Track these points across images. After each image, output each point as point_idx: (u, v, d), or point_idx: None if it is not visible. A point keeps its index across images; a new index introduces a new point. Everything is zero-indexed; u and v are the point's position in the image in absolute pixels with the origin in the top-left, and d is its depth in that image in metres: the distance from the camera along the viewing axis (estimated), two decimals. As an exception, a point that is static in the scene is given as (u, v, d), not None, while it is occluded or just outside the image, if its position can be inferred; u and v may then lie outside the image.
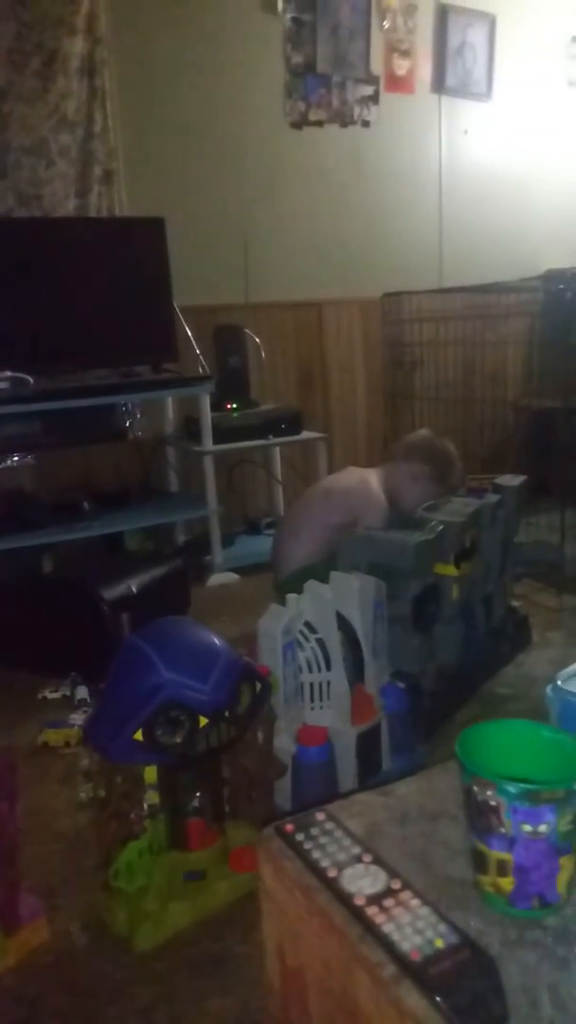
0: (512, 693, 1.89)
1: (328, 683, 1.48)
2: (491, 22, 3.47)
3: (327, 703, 1.48)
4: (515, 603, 2.17)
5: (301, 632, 1.48)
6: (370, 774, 1.49)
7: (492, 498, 1.94)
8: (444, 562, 1.73)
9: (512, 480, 2.05)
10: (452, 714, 1.78)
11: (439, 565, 1.73)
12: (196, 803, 1.28)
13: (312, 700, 1.48)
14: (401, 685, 1.59)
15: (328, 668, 1.47)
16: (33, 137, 2.67)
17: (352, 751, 1.46)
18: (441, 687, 1.76)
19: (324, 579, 1.53)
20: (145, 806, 1.26)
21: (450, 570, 1.74)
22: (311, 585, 1.51)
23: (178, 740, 1.18)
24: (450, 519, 1.76)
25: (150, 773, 1.26)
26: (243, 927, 1.20)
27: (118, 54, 2.79)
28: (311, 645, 1.47)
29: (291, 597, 1.49)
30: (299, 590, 1.52)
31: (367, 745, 1.49)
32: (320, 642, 1.47)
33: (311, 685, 1.48)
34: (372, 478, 2.27)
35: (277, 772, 1.39)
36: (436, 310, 3.12)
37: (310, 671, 1.47)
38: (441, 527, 1.71)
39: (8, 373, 2.48)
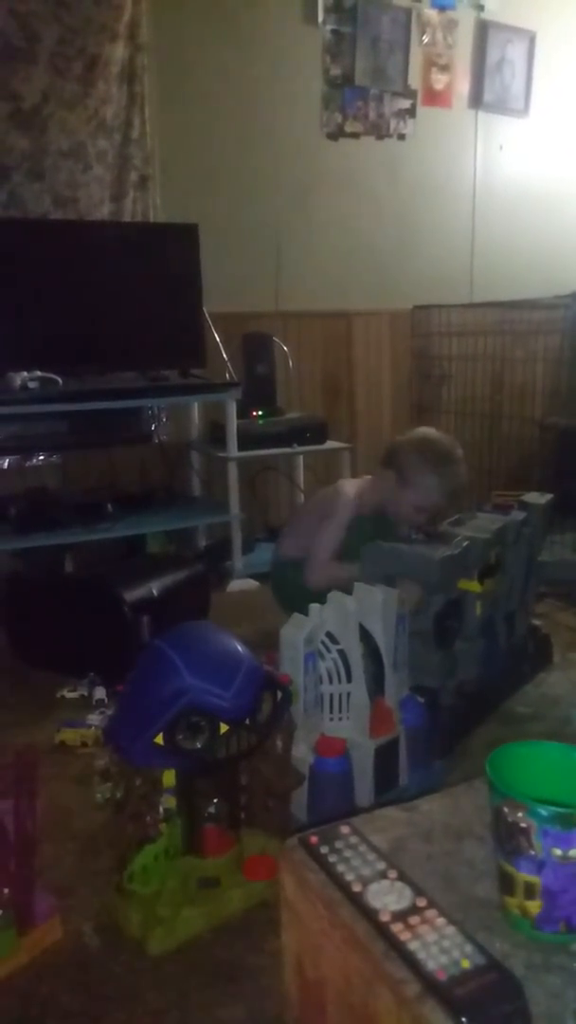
0: (532, 713, 1.88)
1: (348, 695, 1.47)
2: (531, 39, 3.47)
3: (346, 715, 1.48)
4: (537, 622, 2.16)
5: (323, 642, 1.47)
6: (387, 788, 1.48)
7: (518, 515, 1.93)
8: (468, 578, 1.72)
9: (539, 498, 2.04)
10: (471, 731, 1.76)
11: (463, 581, 1.72)
12: (213, 809, 1.28)
13: (331, 711, 1.48)
14: (420, 700, 1.58)
15: (349, 680, 1.47)
16: (72, 141, 2.70)
17: (370, 764, 1.45)
18: (460, 703, 1.75)
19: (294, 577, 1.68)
20: (161, 810, 1.26)
21: (474, 586, 1.73)
22: (334, 595, 1.50)
23: (198, 746, 1.18)
24: (475, 535, 1.75)
25: (168, 777, 1.26)
26: (256, 936, 1.20)
27: (158, 61, 2.82)
28: (332, 656, 1.47)
29: (314, 607, 1.49)
30: (278, 586, 1.56)
31: (385, 758, 1.48)
32: (341, 653, 1.47)
33: (331, 696, 1.47)
34: (351, 482, 2.22)
35: (294, 782, 1.38)
36: (466, 324, 3.12)
37: (330, 682, 1.47)
38: (466, 542, 1.70)
39: (38, 373, 2.50)
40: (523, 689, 1.98)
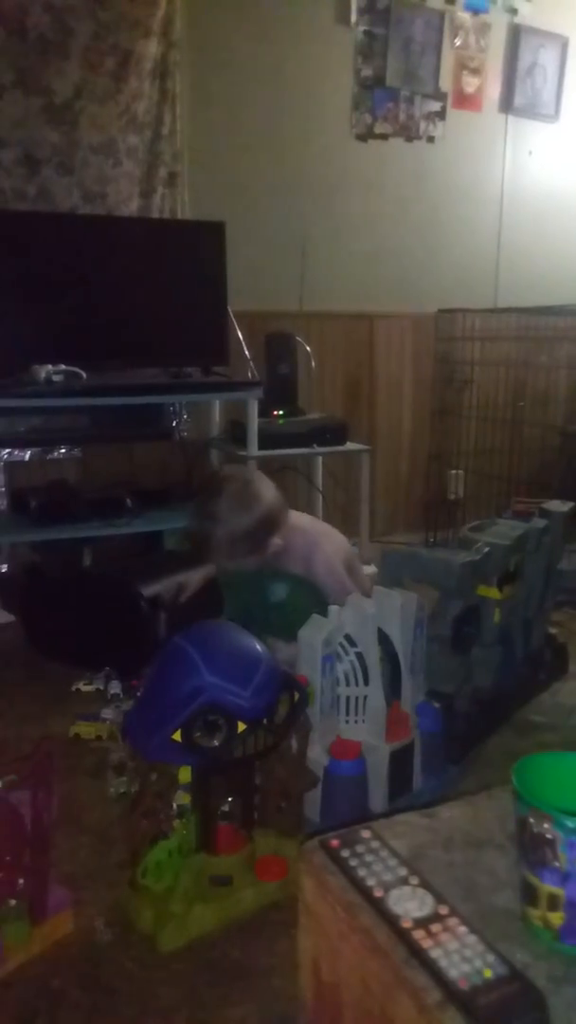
0: (547, 722, 1.87)
1: (365, 698, 1.47)
2: (563, 44, 3.44)
3: (362, 718, 1.48)
4: (553, 631, 2.15)
5: (341, 644, 1.47)
6: (401, 792, 1.48)
7: (539, 523, 1.92)
8: (487, 584, 1.72)
9: (560, 506, 2.02)
10: (485, 738, 1.76)
11: (482, 587, 1.71)
12: (227, 808, 1.28)
13: (348, 714, 1.48)
14: (436, 705, 1.58)
15: (366, 683, 1.47)
16: (102, 136, 2.71)
17: (384, 768, 1.45)
18: (475, 710, 1.74)
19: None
20: (174, 806, 1.27)
21: (493, 593, 1.72)
22: (353, 599, 1.50)
23: (216, 744, 1.18)
24: (496, 541, 1.74)
25: (184, 773, 1.26)
26: (267, 937, 1.20)
27: (190, 58, 2.82)
28: (350, 658, 1.47)
29: (333, 608, 1.49)
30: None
31: (399, 763, 1.48)
32: (359, 656, 1.47)
33: (347, 699, 1.47)
34: None
35: (309, 783, 1.38)
36: (489, 329, 3.10)
37: (347, 684, 1.47)
38: (487, 549, 1.70)
39: (62, 366, 2.50)
40: (538, 698, 1.97)
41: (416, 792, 1.51)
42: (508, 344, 3.08)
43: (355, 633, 1.47)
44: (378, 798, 1.45)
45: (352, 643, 1.47)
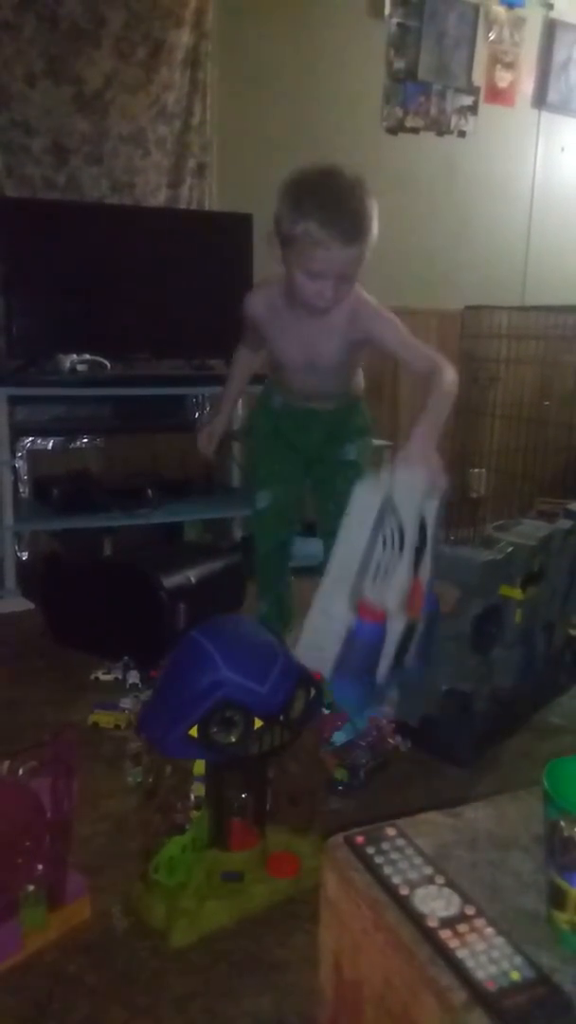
0: (566, 724, 1.85)
1: (394, 567, 1.44)
2: (599, 40, 3.41)
3: (388, 584, 1.45)
4: (575, 633, 2.13)
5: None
6: (394, 666, 1.48)
7: (564, 524, 1.90)
8: (510, 584, 1.70)
9: (586, 507, 2.00)
10: (503, 739, 1.75)
11: (505, 587, 1.70)
12: (239, 804, 1.27)
13: (375, 579, 1.44)
14: (436, 594, 1.57)
15: (401, 550, 1.44)
16: (132, 126, 2.71)
17: (396, 638, 1.45)
18: (494, 710, 1.73)
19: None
20: (192, 797, 1.26)
21: (516, 593, 1.71)
22: (404, 472, 1.45)
23: (232, 740, 1.17)
24: (521, 541, 1.73)
25: (199, 765, 1.26)
26: (280, 931, 1.19)
27: (222, 48, 2.81)
28: (392, 525, 1.44)
29: (384, 474, 1.46)
30: None
31: (406, 638, 1.48)
32: (399, 525, 1.43)
33: (378, 564, 1.44)
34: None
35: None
36: (516, 327, 3.08)
37: (383, 548, 1.44)
38: (511, 548, 1.68)
39: (87, 356, 2.51)
40: (558, 700, 1.95)
41: (406, 670, 1.51)
42: (535, 342, 3.05)
43: (400, 501, 1.43)
44: (383, 668, 1.44)
45: (394, 510, 1.43)
